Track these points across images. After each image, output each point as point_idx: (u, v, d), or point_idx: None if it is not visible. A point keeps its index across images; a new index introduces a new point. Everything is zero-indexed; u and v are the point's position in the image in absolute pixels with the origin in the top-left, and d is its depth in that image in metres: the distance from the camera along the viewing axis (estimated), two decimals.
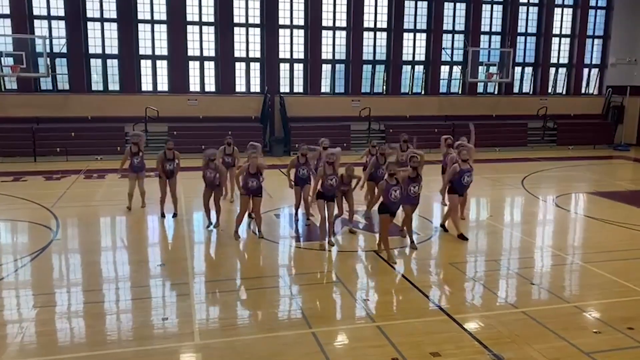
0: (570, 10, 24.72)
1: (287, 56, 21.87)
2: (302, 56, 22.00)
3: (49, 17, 19.63)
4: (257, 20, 21.32)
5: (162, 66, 20.89)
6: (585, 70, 25.42)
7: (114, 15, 20.07)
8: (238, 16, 21.09)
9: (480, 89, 24.36)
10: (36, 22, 19.61)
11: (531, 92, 25.04)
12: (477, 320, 6.55)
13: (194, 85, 21.28)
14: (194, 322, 6.39)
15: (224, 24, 20.86)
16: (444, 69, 23.60)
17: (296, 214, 11.06)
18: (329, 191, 9.27)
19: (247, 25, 21.29)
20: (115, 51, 20.39)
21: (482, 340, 5.95)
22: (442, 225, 10.29)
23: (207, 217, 10.41)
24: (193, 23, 20.81)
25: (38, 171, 16.60)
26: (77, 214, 11.67)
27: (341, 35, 22.25)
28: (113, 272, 8.47)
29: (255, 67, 21.66)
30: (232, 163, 12.00)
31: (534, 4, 24.24)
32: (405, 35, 22.82)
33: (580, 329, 6.34)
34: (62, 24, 19.71)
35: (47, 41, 19.26)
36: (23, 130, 18.65)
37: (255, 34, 21.42)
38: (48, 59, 19.17)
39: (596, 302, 7.19)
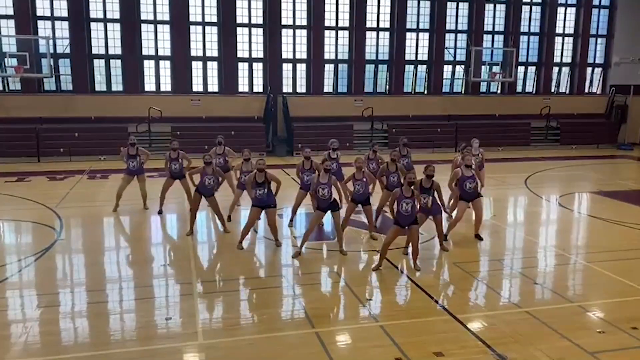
0: (573, 9, 24.71)
1: (290, 56, 21.91)
2: (304, 56, 22.03)
3: (52, 18, 19.70)
4: (260, 21, 21.37)
5: (165, 66, 20.96)
6: (589, 70, 25.39)
7: (117, 15, 20.14)
8: (241, 16, 21.13)
9: (483, 88, 24.36)
10: (39, 23, 19.70)
11: (534, 92, 25.02)
12: (480, 320, 6.54)
13: (197, 86, 21.36)
14: (197, 322, 6.40)
15: (226, 24, 20.90)
16: (447, 69, 23.62)
17: (292, 216, 10.75)
18: (323, 202, 8.74)
19: (249, 25, 21.33)
20: (118, 52, 20.45)
21: (485, 340, 5.94)
22: (477, 235, 9.70)
23: (191, 222, 9.91)
24: (196, 23, 20.86)
25: (42, 171, 16.64)
26: (81, 214, 11.70)
27: (344, 35, 22.27)
28: (116, 272, 8.48)
29: (258, 67, 21.70)
30: (225, 165, 11.55)
31: (537, 3, 24.22)
32: (408, 34, 22.85)
33: (584, 329, 6.32)
34: (65, 24, 19.80)
35: (51, 42, 19.34)
36: (27, 131, 18.72)
37: (258, 34, 21.47)
38: (51, 60, 19.25)
39: (600, 301, 7.17)
